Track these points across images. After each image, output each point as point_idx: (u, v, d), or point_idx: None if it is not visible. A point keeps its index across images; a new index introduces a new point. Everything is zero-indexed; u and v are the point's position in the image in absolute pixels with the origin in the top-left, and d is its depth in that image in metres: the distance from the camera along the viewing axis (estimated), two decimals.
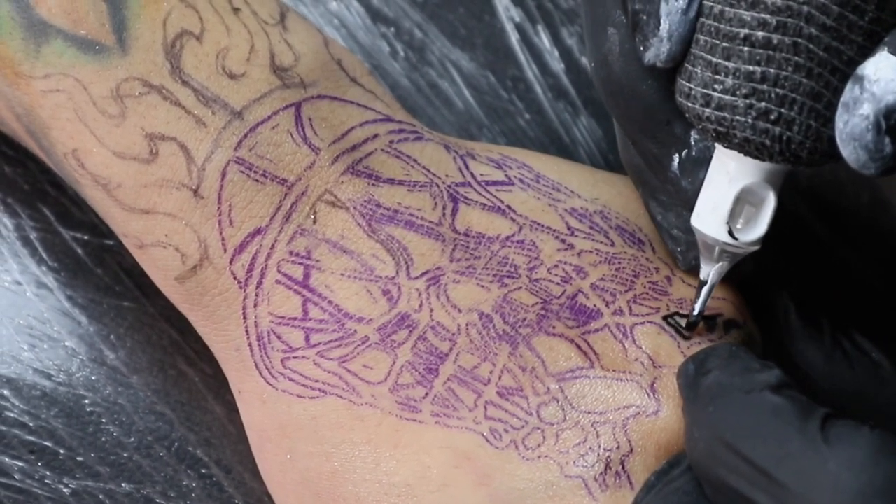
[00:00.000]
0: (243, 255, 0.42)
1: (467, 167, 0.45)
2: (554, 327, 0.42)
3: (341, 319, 0.42)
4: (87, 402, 0.48)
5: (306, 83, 0.43)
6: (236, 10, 0.43)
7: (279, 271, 0.42)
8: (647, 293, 0.43)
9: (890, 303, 0.49)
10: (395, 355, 0.42)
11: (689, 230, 0.41)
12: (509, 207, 0.44)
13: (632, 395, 0.41)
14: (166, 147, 0.42)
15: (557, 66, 0.54)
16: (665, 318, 0.42)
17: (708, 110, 0.37)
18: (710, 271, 0.41)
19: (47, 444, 0.47)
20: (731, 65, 0.36)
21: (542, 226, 0.44)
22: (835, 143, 0.36)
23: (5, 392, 0.48)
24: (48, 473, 0.47)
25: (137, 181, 0.42)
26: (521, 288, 0.43)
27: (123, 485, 0.47)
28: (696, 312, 0.41)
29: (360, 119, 0.44)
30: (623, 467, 0.40)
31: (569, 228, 0.44)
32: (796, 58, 0.36)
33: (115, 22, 0.42)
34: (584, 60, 0.54)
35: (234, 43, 0.42)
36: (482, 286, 0.43)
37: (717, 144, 0.38)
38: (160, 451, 0.47)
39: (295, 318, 0.42)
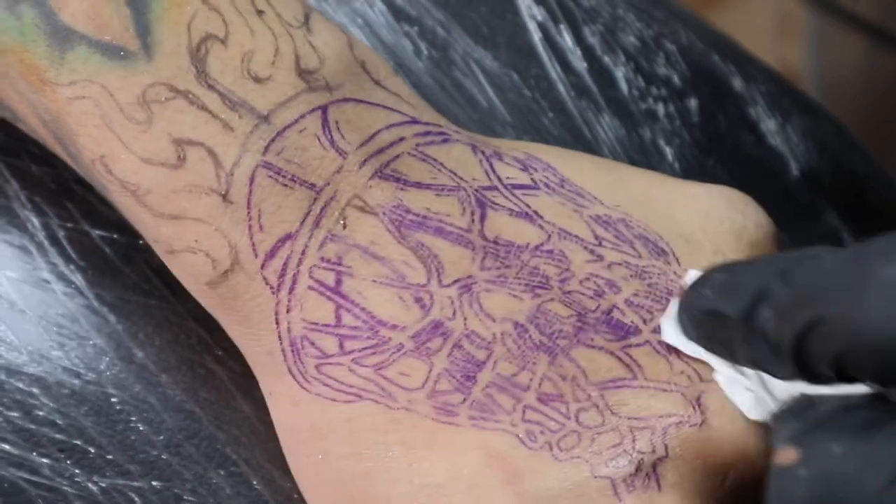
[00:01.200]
0: (274, 260, 0.42)
1: (493, 170, 0.44)
2: (592, 340, 0.42)
3: (375, 327, 0.42)
4: (115, 400, 0.48)
5: (332, 86, 0.43)
6: (260, 13, 0.43)
7: (311, 277, 0.42)
8: None
9: None
10: (431, 363, 0.42)
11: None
12: (536, 213, 0.44)
13: (676, 405, 0.40)
14: (194, 152, 0.41)
15: (580, 64, 0.54)
16: None
17: None
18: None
19: (77, 442, 0.47)
20: None
21: (570, 234, 0.43)
22: None
23: (35, 391, 0.48)
24: (78, 472, 0.47)
25: (166, 187, 0.42)
26: (553, 299, 0.42)
27: (153, 483, 0.47)
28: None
29: (386, 122, 0.43)
30: (654, 470, 0.40)
31: (596, 238, 0.43)
32: None
33: (138, 27, 0.41)
34: (607, 59, 0.54)
35: (258, 46, 0.42)
36: (514, 296, 0.42)
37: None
38: (189, 450, 0.47)
39: (328, 325, 0.42)
